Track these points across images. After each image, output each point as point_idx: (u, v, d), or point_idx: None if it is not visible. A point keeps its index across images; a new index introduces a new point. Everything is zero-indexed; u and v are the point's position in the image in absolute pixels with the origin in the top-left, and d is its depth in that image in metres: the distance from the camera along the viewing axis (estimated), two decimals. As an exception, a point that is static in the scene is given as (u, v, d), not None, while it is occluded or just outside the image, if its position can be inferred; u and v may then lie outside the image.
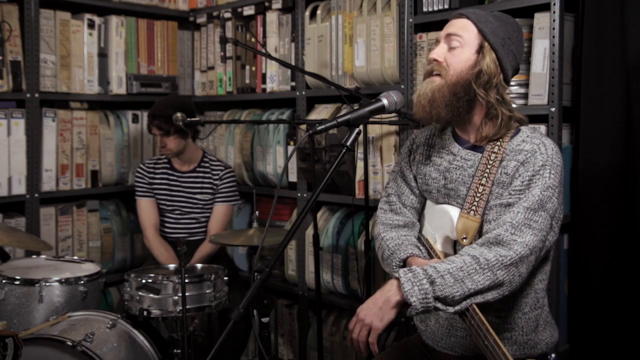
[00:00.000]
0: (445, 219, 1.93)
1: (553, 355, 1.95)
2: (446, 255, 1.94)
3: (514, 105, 2.53)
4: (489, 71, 1.83)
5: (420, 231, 2.06)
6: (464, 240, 1.85)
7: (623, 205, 2.48)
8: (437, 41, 1.92)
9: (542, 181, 1.77)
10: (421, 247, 1.98)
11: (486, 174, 1.85)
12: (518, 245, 1.72)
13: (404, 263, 1.94)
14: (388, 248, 1.98)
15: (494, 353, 1.59)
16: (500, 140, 1.87)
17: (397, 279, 1.72)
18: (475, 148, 1.92)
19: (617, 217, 2.50)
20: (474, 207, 1.85)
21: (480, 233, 1.85)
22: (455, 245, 1.93)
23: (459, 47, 1.86)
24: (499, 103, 1.86)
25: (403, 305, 1.71)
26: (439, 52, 1.88)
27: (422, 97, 1.87)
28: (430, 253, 1.96)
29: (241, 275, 3.68)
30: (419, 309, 1.68)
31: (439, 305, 1.70)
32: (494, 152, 1.86)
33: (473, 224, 1.84)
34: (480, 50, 1.84)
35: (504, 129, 1.87)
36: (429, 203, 2.04)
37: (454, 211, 1.91)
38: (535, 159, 1.80)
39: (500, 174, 1.84)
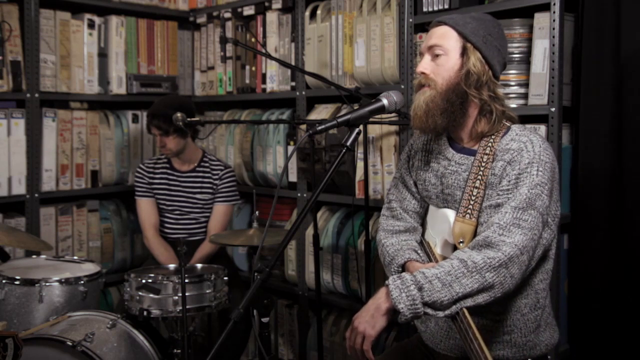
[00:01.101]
0: (445, 223, 1.94)
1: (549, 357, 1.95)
2: (445, 259, 1.95)
3: (513, 106, 2.54)
4: (476, 70, 1.84)
5: (422, 235, 2.07)
6: (461, 244, 1.85)
7: (623, 205, 2.48)
8: (421, 54, 1.93)
9: (529, 179, 1.77)
10: (420, 252, 1.99)
11: (479, 177, 1.86)
12: (507, 245, 1.71)
13: (403, 268, 1.95)
14: (388, 254, 2.00)
15: (477, 358, 1.59)
16: (492, 141, 1.88)
17: (387, 286, 1.73)
18: (469, 151, 1.92)
19: (616, 217, 2.50)
20: (469, 211, 1.85)
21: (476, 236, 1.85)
22: (455, 249, 1.93)
23: (443, 54, 1.87)
24: (492, 100, 1.87)
25: (393, 312, 1.72)
26: (425, 64, 1.89)
27: (417, 110, 1.88)
28: (430, 257, 1.97)
29: (241, 275, 3.68)
30: (408, 315, 1.69)
31: (428, 310, 1.70)
32: (486, 154, 1.87)
33: (469, 228, 1.84)
34: (464, 52, 1.85)
35: (498, 124, 1.88)
36: (431, 207, 2.05)
37: (452, 215, 1.92)
38: (522, 157, 1.80)
39: (490, 175, 1.84)
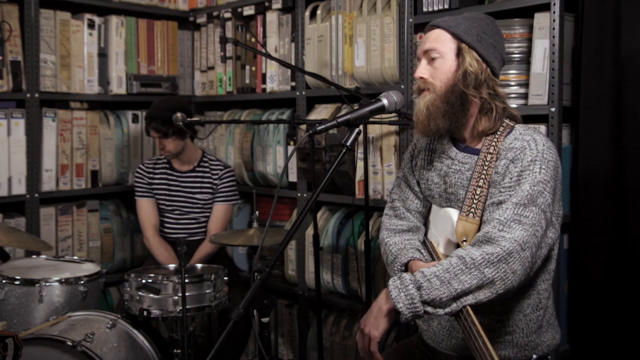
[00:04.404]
0: (447, 222, 1.94)
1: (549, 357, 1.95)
2: (449, 258, 1.95)
3: (514, 105, 2.54)
4: (473, 69, 1.84)
5: (426, 235, 2.07)
6: (464, 242, 1.86)
7: (623, 205, 2.48)
8: (418, 59, 1.94)
9: (531, 176, 1.77)
10: (423, 251, 1.99)
11: (483, 176, 1.86)
12: (506, 241, 1.71)
13: (406, 267, 1.95)
14: (391, 253, 2.00)
15: (482, 355, 1.59)
16: (495, 140, 1.88)
17: (387, 287, 1.74)
18: (472, 150, 1.93)
19: (616, 217, 2.50)
20: (472, 210, 1.85)
21: None
22: (458, 248, 1.94)
23: (439, 57, 1.87)
24: (492, 97, 1.87)
25: (395, 312, 1.72)
26: (422, 69, 1.91)
27: (419, 114, 1.89)
28: (434, 256, 1.97)
29: (241, 275, 3.68)
30: (407, 315, 1.70)
31: (428, 309, 1.70)
32: (490, 153, 1.87)
33: (472, 226, 1.85)
34: (459, 53, 1.86)
35: (499, 122, 1.88)
36: (434, 207, 2.05)
37: (455, 214, 1.92)
38: (524, 155, 1.80)
39: (494, 173, 1.85)
